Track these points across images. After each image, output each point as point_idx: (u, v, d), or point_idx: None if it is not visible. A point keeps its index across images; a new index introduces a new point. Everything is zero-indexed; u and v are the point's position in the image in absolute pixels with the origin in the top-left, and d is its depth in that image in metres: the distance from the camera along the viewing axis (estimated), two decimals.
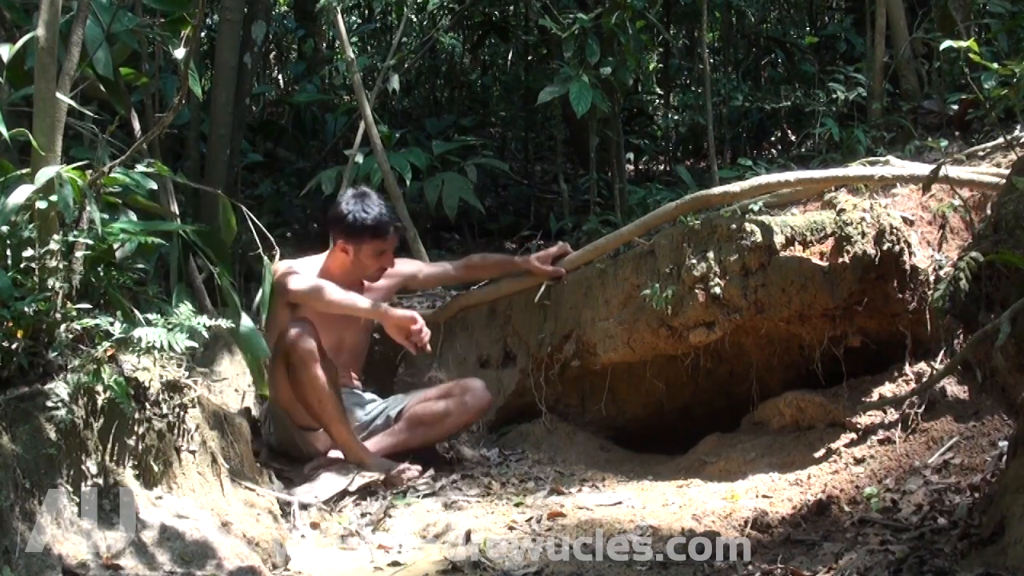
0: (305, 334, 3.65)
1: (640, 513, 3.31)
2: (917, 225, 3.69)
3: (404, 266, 4.19)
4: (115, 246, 3.08)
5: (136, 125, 4.26)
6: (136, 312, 2.90)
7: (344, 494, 3.58)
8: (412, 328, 3.75)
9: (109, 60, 3.66)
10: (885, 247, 3.50)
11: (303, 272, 3.85)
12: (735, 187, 3.85)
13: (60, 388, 2.58)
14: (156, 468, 2.78)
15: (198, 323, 2.80)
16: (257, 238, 3.47)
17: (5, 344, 2.57)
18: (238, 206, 3.57)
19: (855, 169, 3.82)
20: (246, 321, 3.23)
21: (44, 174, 2.65)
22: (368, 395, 4.10)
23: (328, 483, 3.63)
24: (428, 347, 3.85)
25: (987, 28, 5.32)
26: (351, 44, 5.79)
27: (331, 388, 3.70)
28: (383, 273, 4.00)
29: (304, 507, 3.42)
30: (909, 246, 3.56)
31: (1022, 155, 3.10)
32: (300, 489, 3.61)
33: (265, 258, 3.44)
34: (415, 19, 7.84)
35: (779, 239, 3.58)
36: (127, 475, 2.70)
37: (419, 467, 3.71)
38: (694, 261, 3.66)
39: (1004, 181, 2.98)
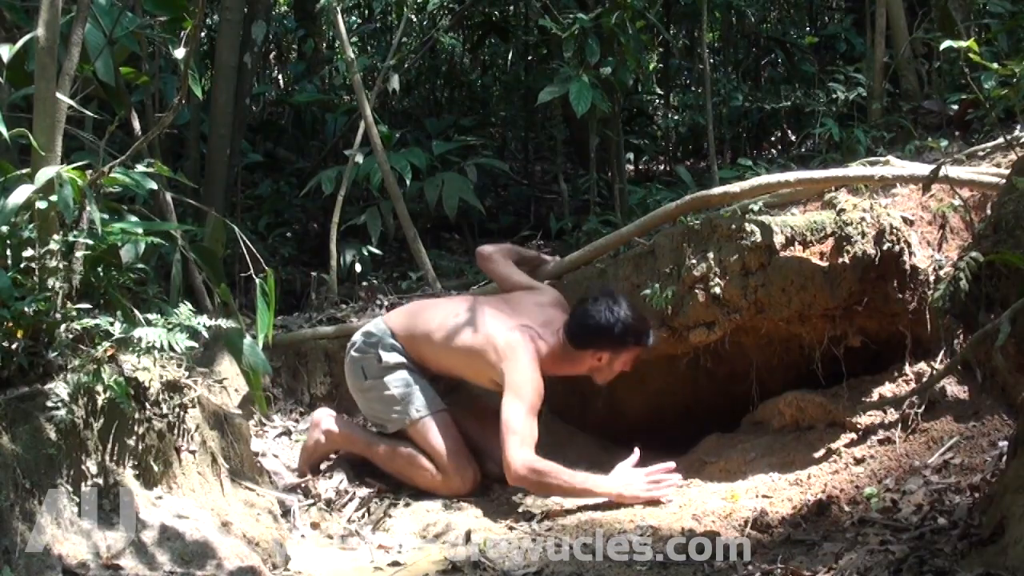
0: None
1: (640, 513, 3.31)
2: (917, 225, 3.69)
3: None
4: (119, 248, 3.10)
5: (136, 125, 4.26)
6: (136, 312, 2.90)
7: None
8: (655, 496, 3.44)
9: (111, 66, 3.66)
10: (885, 247, 3.50)
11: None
12: (735, 187, 3.85)
13: (60, 388, 2.58)
14: (156, 468, 2.78)
15: (198, 323, 2.80)
16: (248, 259, 3.37)
17: (5, 344, 2.57)
18: (231, 226, 3.54)
19: (855, 169, 3.82)
20: (248, 340, 3.15)
21: (44, 174, 2.65)
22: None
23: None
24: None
25: (987, 28, 5.33)
26: (351, 44, 5.79)
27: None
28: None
29: None
30: (909, 246, 3.55)
31: (1022, 155, 3.10)
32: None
33: (259, 280, 3.33)
34: (415, 19, 7.84)
35: (779, 239, 3.58)
36: (127, 475, 2.70)
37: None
38: (694, 261, 3.66)
39: (1004, 181, 2.98)
